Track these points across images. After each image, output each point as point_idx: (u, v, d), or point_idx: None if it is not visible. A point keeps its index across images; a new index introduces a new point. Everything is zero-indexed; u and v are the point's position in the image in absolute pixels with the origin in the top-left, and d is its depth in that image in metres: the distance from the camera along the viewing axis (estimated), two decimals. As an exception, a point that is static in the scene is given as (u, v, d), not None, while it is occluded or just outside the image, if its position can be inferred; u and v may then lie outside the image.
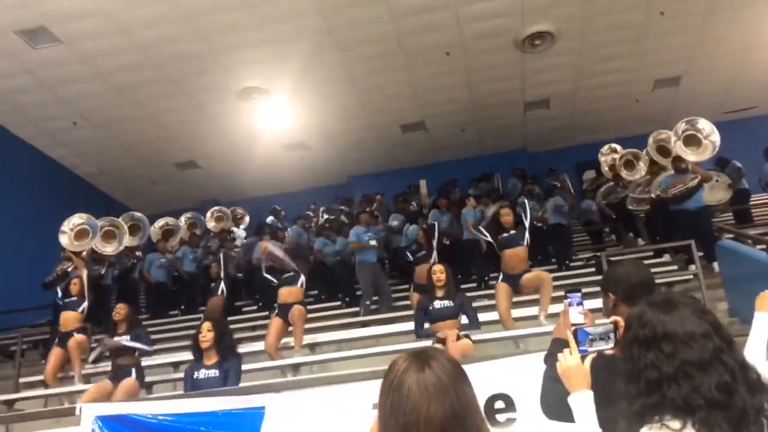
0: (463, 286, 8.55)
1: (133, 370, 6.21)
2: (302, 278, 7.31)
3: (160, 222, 11.97)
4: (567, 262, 9.86)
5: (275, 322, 7.01)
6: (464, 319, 6.05)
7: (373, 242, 9.24)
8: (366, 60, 10.81)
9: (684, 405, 1.48)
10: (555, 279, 8.66)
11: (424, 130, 13.75)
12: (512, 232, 6.74)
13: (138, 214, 11.14)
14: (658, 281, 7.23)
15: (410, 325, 7.02)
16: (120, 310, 6.56)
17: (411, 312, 7.67)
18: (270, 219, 12.74)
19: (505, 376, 3.45)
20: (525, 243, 6.76)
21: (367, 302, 9.01)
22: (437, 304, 5.96)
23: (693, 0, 10.05)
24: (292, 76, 10.86)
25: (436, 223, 9.47)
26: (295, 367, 6.77)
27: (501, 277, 6.74)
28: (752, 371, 1.56)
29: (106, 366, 6.97)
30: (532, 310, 7.15)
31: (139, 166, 13.98)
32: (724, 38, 11.13)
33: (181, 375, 5.82)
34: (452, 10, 9.75)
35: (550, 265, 9.75)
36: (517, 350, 6.21)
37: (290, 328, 7.05)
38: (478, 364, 3.71)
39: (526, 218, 6.82)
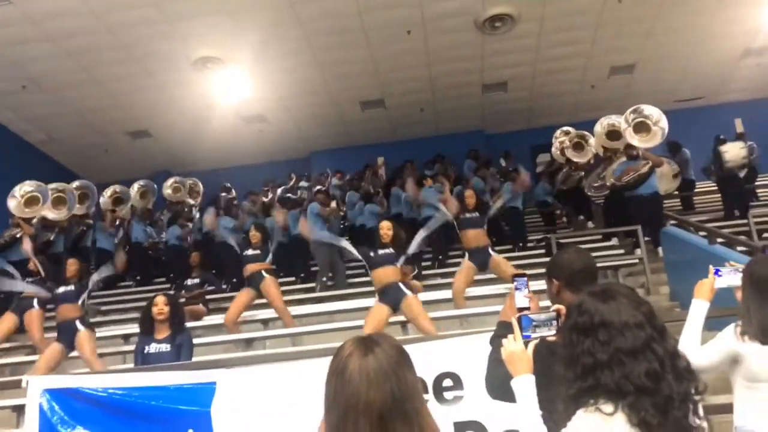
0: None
1: (78, 323, 6.16)
2: (270, 256, 7.35)
3: (110, 190, 11.72)
4: (521, 243, 10.04)
5: (244, 293, 7.04)
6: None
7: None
8: (327, 35, 10.70)
9: (616, 390, 1.58)
10: (509, 260, 8.90)
11: (384, 108, 13.74)
12: (475, 214, 6.98)
13: (86, 182, 10.91)
14: (605, 264, 7.57)
15: (364, 302, 7.14)
16: (71, 266, 6.51)
17: (366, 289, 7.76)
18: (222, 194, 12.63)
19: (453, 355, 3.54)
20: (484, 225, 6.98)
21: (324, 278, 9.06)
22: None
23: (650, -11, 10.25)
24: (250, 48, 10.67)
25: None
26: (248, 342, 6.80)
27: (466, 255, 6.90)
28: (681, 359, 1.66)
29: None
30: (482, 290, 7.32)
31: (91, 133, 13.61)
32: (678, 29, 11.38)
33: (131, 347, 5.80)
34: (415, -12, 9.73)
35: (506, 245, 9.95)
36: (461, 328, 6.36)
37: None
38: (428, 343, 3.81)
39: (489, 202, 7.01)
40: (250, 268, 7.11)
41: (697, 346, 2.64)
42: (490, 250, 6.93)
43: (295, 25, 10.31)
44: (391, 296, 6.01)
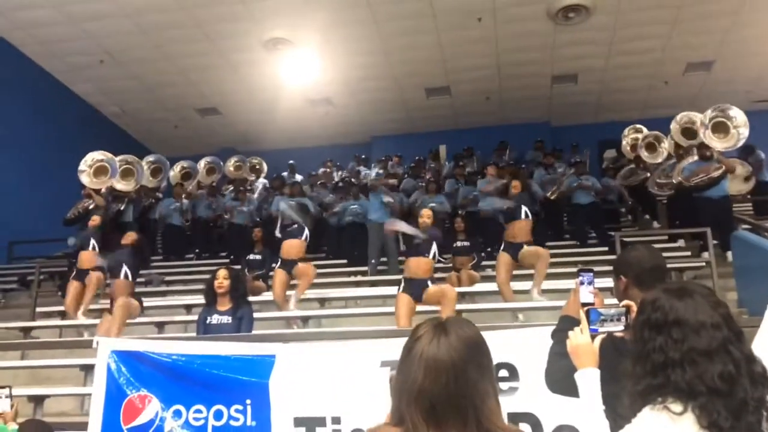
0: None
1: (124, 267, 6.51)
2: (306, 232, 7.49)
3: (179, 165, 12.09)
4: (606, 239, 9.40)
5: (279, 275, 7.18)
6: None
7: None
8: (396, 19, 10.69)
9: (687, 389, 1.54)
10: (570, 255, 8.76)
11: (449, 95, 13.66)
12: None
13: (160, 157, 11.26)
14: (670, 266, 7.32)
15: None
16: (127, 237, 6.79)
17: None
18: (285, 174, 12.81)
19: (511, 347, 3.51)
20: (526, 216, 6.82)
21: (373, 261, 9.12)
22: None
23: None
24: (319, 30, 10.78)
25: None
26: (304, 320, 6.92)
27: (503, 246, 6.81)
28: (758, 364, 1.61)
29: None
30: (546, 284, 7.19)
31: (161, 109, 14.03)
32: (760, 25, 10.91)
33: (193, 318, 5.99)
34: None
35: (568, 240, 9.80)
36: (515, 322, 6.30)
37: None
38: (486, 333, 3.79)
39: (535, 194, 6.85)
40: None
41: None
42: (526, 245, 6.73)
43: (364, 8, 10.35)
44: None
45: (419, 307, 5.99)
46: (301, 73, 12.06)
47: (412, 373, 1.40)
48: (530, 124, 14.38)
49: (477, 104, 13.96)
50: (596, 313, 1.97)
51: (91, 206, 9.16)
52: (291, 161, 13.53)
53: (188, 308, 7.46)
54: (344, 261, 9.78)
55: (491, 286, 7.36)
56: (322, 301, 7.68)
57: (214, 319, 4.98)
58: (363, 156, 14.16)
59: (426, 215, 6.31)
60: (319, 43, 11.19)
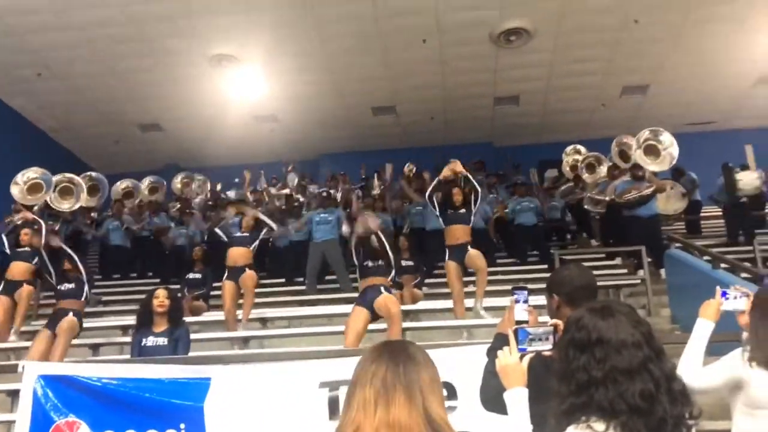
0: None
1: (71, 313, 6.13)
2: (256, 242, 7.41)
3: (123, 183, 11.83)
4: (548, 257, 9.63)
5: (227, 287, 7.06)
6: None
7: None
8: (342, 38, 10.75)
9: (609, 408, 1.56)
10: (510, 273, 8.88)
11: (395, 114, 13.78)
12: (461, 210, 6.86)
13: (97, 175, 10.97)
14: (607, 283, 7.54)
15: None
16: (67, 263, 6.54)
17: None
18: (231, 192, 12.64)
19: (449, 366, 3.53)
20: (470, 223, 6.90)
21: (308, 280, 9.07)
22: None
23: (667, 12, 10.23)
24: (265, 47, 10.73)
25: None
26: (245, 341, 6.80)
27: (447, 254, 6.82)
28: (677, 383, 1.65)
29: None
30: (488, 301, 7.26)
31: (102, 123, 13.67)
32: (693, 52, 11.38)
33: (129, 339, 5.80)
34: (432, -3, 9.77)
35: (508, 259, 9.95)
36: (459, 339, 6.34)
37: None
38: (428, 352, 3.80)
39: (475, 202, 6.90)
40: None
41: (699, 366, 2.62)
42: (469, 247, 6.75)
43: (311, 27, 10.37)
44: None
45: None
46: (246, 89, 11.97)
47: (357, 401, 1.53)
48: (474, 143, 14.60)
49: (423, 123, 14.11)
50: (524, 333, 1.99)
51: (19, 221, 8.81)
52: (237, 179, 13.36)
53: (125, 329, 7.24)
54: (283, 280, 9.69)
55: (435, 304, 7.42)
56: (264, 321, 7.57)
57: (150, 341, 4.84)
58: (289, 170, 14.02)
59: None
60: (265, 60, 11.14)
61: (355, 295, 8.37)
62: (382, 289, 5.75)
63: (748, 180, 9.86)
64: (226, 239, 7.71)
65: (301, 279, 9.45)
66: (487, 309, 6.93)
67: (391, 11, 10.02)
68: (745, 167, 10.96)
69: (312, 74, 11.81)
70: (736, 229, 10.01)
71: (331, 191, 10.51)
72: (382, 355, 1.56)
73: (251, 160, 15.10)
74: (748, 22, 10.51)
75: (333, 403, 3.36)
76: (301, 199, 11.21)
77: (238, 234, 7.49)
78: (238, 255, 7.27)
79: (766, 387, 2.41)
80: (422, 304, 7.66)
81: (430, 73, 11.98)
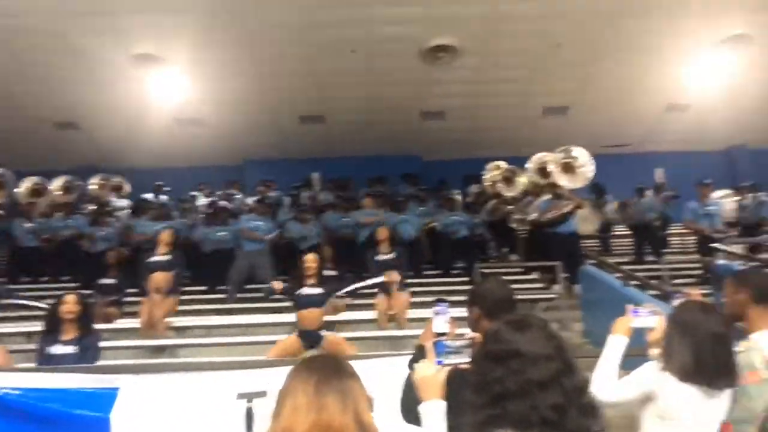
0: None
1: None
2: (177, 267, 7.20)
3: (30, 181, 11.20)
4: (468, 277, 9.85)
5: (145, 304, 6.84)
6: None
7: (269, 236, 9.22)
8: (270, 45, 10.62)
9: (522, 420, 1.59)
10: (433, 285, 8.98)
11: (323, 123, 13.72)
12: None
13: (5, 171, 10.38)
14: (525, 297, 7.71)
15: (283, 317, 7.05)
16: None
17: (285, 304, 7.66)
18: (150, 195, 12.26)
19: (368, 377, 3.51)
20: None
21: (231, 288, 8.90)
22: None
23: (588, 38, 10.65)
24: (190, 48, 10.44)
25: None
26: (159, 349, 6.58)
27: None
28: (587, 396, 1.69)
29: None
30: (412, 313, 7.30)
31: (13, 118, 12.98)
32: (610, 77, 11.89)
33: (35, 346, 5.50)
34: (363, 10, 9.80)
35: (432, 270, 10.06)
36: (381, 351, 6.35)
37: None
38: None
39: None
40: None
41: (614, 380, 2.71)
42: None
43: (238, 32, 10.21)
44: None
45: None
46: (170, 91, 11.63)
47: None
48: (403, 156, 14.74)
49: (351, 134, 14.12)
50: (442, 346, 2.01)
51: None
52: (158, 182, 12.97)
53: (30, 336, 6.86)
54: (205, 288, 9.44)
55: (360, 315, 7.40)
56: (180, 330, 7.34)
57: (57, 348, 4.60)
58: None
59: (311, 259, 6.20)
60: (190, 62, 10.87)
61: (280, 304, 8.31)
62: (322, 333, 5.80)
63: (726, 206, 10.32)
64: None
65: (224, 287, 9.25)
66: (411, 320, 7.00)
67: (319, 21, 10.00)
68: (660, 187, 11.59)
69: (238, 80, 11.62)
70: (644, 247, 10.50)
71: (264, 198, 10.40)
72: (313, 365, 1.59)
73: (174, 163, 14.75)
74: (659, 53, 11.08)
75: (250, 415, 3.28)
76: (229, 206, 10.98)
77: (156, 258, 7.20)
78: (160, 279, 7.03)
79: (676, 398, 2.52)
80: (345, 315, 7.62)
81: (359, 84, 12.02)
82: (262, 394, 3.22)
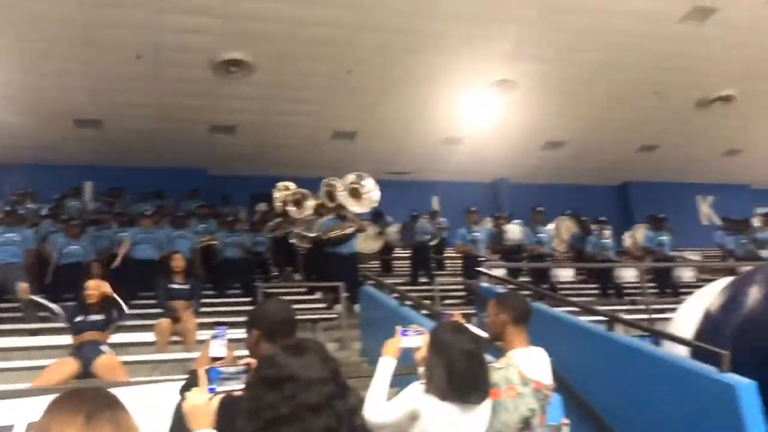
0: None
1: None
2: None
3: None
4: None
5: None
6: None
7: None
8: (41, 40, 9.66)
9: (294, 445, 1.59)
10: (213, 305, 8.69)
11: (101, 129, 12.74)
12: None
13: None
14: (306, 317, 7.78)
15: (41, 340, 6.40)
16: None
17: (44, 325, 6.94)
18: None
19: (140, 404, 3.29)
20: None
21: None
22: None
23: (377, 68, 11.18)
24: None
25: None
26: None
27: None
28: (359, 417, 1.75)
29: None
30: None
31: None
32: (396, 107, 12.60)
33: None
34: (151, 14, 9.33)
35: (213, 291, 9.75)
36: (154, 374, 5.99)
37: None
38: (116, 390, 3.50)
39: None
40: None
41: (383, 400, 2.80)
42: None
43: (6, 20, 9.15)
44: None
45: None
46: None
47: None
48: (188, 169, 14.20)
49: (132, 142, 13.28)
50: (216, 372, 1.94)
51: None
52: None
53: None
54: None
55: (132, 337, 6.91)
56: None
57: None
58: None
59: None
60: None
61: (40, 325, 7.48)
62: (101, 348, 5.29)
63: (512, 231, 11.03)
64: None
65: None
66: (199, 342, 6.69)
67: (102, 20, 9.34)
68: (435, 214, 12.49)
69: (3, 74, 10.39)
70: (420, 269, 11.20)
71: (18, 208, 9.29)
72: (80, 396, 1.43)
73: None
74: (439, 90, 12.02)
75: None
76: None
77: None
78: None
79: (436, 416, 2.67)
80: (118, 337, 7.05)
81: (143, 90, 11.38)
82: (7, 428, 2.87)
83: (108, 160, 13.82)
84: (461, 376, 2.65)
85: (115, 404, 1.44)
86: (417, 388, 2.73)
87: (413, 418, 2.69)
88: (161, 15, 9.38)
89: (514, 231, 10.77)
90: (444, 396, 2.63)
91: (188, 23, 9.59)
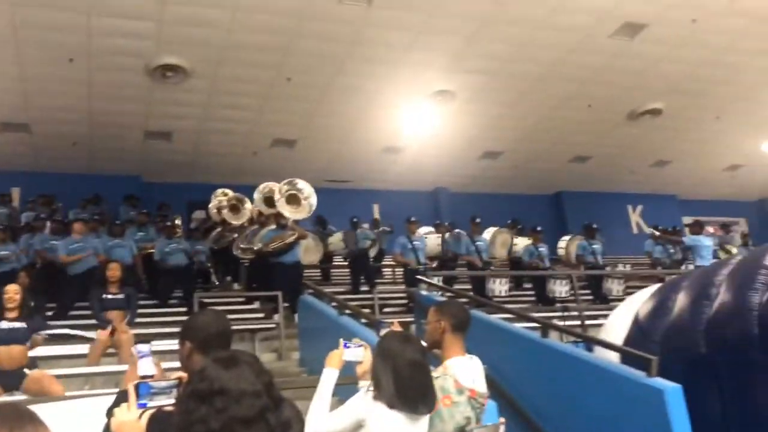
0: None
1: None
2: None
3: None
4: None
5: None
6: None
7: None
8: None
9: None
10: (153, 315, 8.46)
11: (28, 133, 12.27)
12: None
13: None
14: (244, 327, 7.66)
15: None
16: None
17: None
18: None
19: (70, 419, 3.19)
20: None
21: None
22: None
23: (316, 75, 11.15)
24: None
25: None
26: None
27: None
28: (292, 430, 1.73)
29: None
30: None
31: None
32: (335, 116, 12.59)
33: None
34: (84, 16, 9.06)
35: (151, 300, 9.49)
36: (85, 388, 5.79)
37: None
38: (46, 405, 3.37)
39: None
40: None
41: (326, 411, 2.79)
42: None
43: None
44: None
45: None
46: None
47: None
48: (121, 176, 13.82)
49: (63, 148, 12.84)
50: (146, 387, 1.89)
51: None
52: None
53: None
54: None
55: (60, 349, 6.64)
56: None
57: None
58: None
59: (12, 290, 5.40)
60: None
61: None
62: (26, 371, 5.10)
63: (521, 244, 11.36)
64: None
65: None
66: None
67: (33, 21, 9.01)
68: (376, 222, 12.52)
69: None
70: (359, 278, 11.19)
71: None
72: (1, 413, 1.36)
73: None
74: (379, 99, 12.07)
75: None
76: None
77: None
78: None
79: (383, 425, 2.68)
80: (42, 350, 6.77)
81: (75, 95, 11.02)
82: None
83: (37, 166, 13.33)
84: (408, 386, 2.67)
85: (36, 421, 1.39)
86: (363, 396, 2.74)
87: (359, 427, 2.70)
88: (94, 18, 9.12)
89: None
90: (392, 404, 2.65)
91: (122, 27, 9.35)
